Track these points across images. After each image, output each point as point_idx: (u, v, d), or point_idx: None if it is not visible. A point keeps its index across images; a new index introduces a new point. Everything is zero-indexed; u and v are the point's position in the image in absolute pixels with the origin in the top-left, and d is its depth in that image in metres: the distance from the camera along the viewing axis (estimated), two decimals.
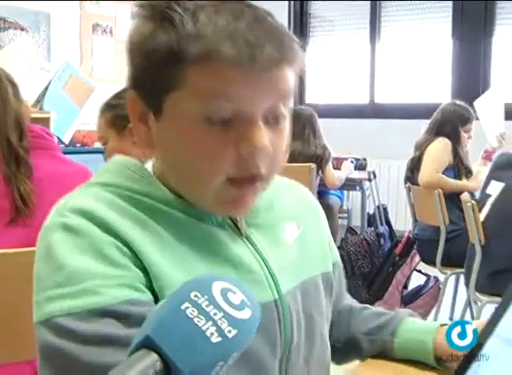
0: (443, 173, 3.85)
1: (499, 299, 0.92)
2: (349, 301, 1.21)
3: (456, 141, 3.91)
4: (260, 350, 0.87)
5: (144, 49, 0.82)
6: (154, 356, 0.60)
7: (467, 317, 3.52)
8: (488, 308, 2.79)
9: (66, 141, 4.90)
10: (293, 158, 4.49)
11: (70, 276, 0.77)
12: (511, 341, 0.90)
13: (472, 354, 0.94)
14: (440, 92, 6.33)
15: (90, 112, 4.42)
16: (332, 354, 1.12)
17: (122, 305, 0.77)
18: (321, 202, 4.21)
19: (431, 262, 3.70)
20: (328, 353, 1.05)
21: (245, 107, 0.80)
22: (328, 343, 1.05)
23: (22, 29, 5.27)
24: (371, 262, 3.93)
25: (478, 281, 3.02)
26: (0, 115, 1.67)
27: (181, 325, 0.61)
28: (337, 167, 4.72)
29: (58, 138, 4.84)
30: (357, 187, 5.07)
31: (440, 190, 3.60)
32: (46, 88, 4.83)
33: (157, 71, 0.81)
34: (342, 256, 4.00)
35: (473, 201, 3.11)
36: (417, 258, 3.70)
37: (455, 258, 3.49)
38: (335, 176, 4.56)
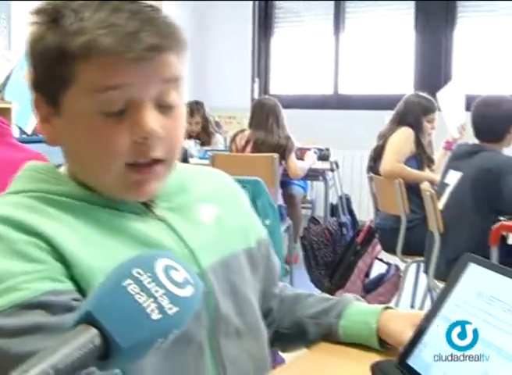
0: (406, 162, 3.89)
1: None
2: (290, 289, 1.24)
3: (418, 130, 3.96)
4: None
5: (37, 52, 0.89)
6: (93, 331, 0.60)
7: (427, 304, 3.57)
8: None
9: (29, 131, 4.83)
10: (256, 147, 4.52)
11: None
12: (453, 322, 0.91)
13: (416, 337, 0.97)
14: (403, 83, 6.40)
15: None
16: (278, 340, 1.16)
17: (45, 296, 0.81)
18: (284, 192, 4.23)
19: (392, 250, 3.75)
20: (262, 325, 1.08)
21: (134, 95, 0.86)
22: (260, 315, 1.08)
23: None
24: (334, 252, 3.96)
25: (437, 268, 3.07)
26: None
27: (122, 301, 0.62)
28: (300, 157, 4.74)
29: (20, 128, 4.78)
30: (320, 178, 5.09)
31: (401, 179, 3.64)
32: (7, 78, 4.75)
33: (50, 71, 0.88)
34: (304, 246, 4.06)
35: (432, 191, 3.15)
36: (379, 247, 3.75)
37: (415, 247, 3.54)
38: (297, 166, 4.58)
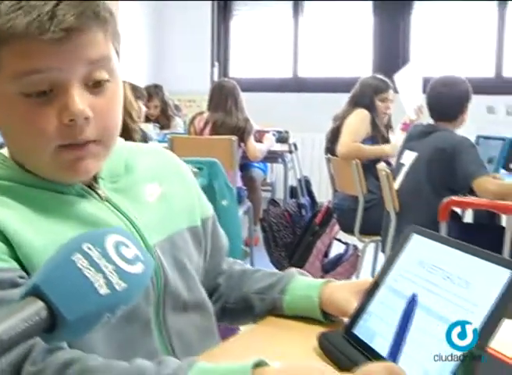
0: (362, 143, 3.93)
1: None
2: (239, 264, 1.26)
3: (373, 111, 4.00)
4: None
5: None
6: (39, 304, 0.60)
7: None
8: None
9: None
10: (215, 128, 4.50)
11: None
12: (397, 291, 0.94)
13: (361, 307, 0.99)
14: (362, 66, 6.43)
15: None
16: (225, 315, 1.18)
17: None
18: (244, 175, 4.23)
19: (350, 230, 3.79)
20: (207, 300, 1.10)
21: (58, 77, 0.84)
22: (204, 291, 1.10)
23: None
24: (293, 233, 3.99)
25: (393, 247, 3.12)
26: None
27: (70, 275, 0.62)
28: (259, 140, 4.75)
29: None
30: (279, 160, 5.11)
31: (358, 160, 3.68)
32: None
33: None
34: (264, 228, 4.08)
35: (388, 170, 3.20)
36: (337, 227, 3.78)
37: (373, 227, 3.59)
38: (256, 148, 4.59)
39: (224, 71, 7.20)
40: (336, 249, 3.91)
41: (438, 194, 2.88)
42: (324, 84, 6.55)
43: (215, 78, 6.99)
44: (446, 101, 3.23)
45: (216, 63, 7.25)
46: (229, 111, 4.51)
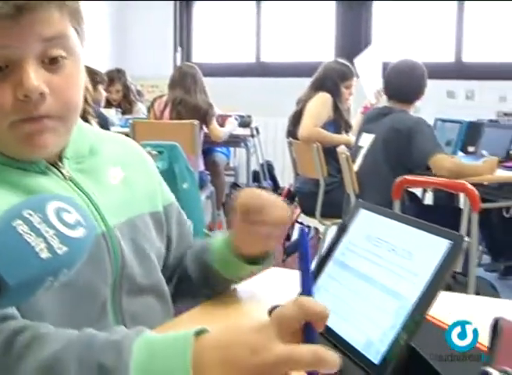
0: (324, 127, 3.96)
1: None
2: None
3: (336, 96, 4.03)
4: (91, 277, 0.95)
5: None
6: None
7: None
8: None
9: None
10: (174, 107, 4.47)
11: None
12: (344, 264, 0.96)
13: (300, 233, 1.01)
14: (324, 51, 6.46)
15: None
16: (185, 289, 1.19)
17: None
18: (207, 160, 4.24)
19: (311, 213, 3.83)
20: (164, 285, 1.12)
21: (13, 54, 0.85)
22: (162, 276, 1.12)
23: None
24: None
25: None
26: None
27: (10, 240, 0.63)
28: (221, 124, 4.75)
29: None
30: (242, 144, 5.13)
31: (319, 144, 3.71)
32: None
33: None
34: (227, 212, 4.10)
35: (347, 153, 3.24)
36: (298, 210, 3.82)
37: (334, 209, 3.63)
38: (219, 130, 4.58)
39: (187, 56, 7.17)
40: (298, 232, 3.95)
41: (395, 175, 2.93)
42: (287, 69, 6.57)
43: (178, 63, 6.95)
44: (405, 85, 3.29)
45: (179, 48, 7.22)
46: (188, 89, 4.49)
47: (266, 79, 6.58)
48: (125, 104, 5.49)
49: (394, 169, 3.07)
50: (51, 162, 0.98)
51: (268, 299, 1.06)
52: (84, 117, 2.27)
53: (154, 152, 2.41)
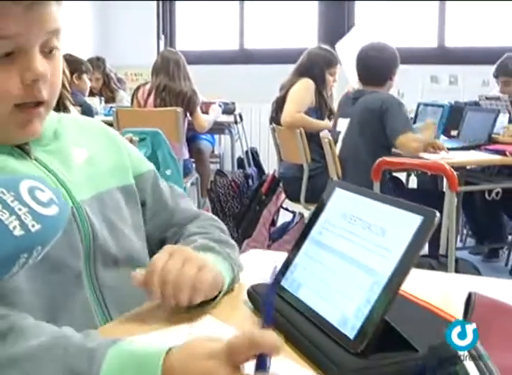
0: (306, 113, 3.96)
1: None
2: (196, 227, 1.23)
3: (321, 83, 4.03)
4: (61, 251, 0.96)
5: None
6: None
7: None
8: None
9: None
10: (158, 94, 4.44)
11: None
12: (320, 243, 0.98)
13: (288, 260, 1.02)
14: (307, 37, 6.46)
15: None
16: None
17: None
18: (192, 147, 4.24)
19: (296, 199, 3.84)
20: (144, 256, 1.13)
21: (23, 42, 0.90)
22: (138, 246, 1.12)
23: None
24: (241, 203, 4.03)
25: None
26: None
27: None
28: (205, 111, 4.74)
29: None
30: (226, 131, 5.13)
31: (302, 129, 3.72)
32: None
33: None
34: (212, 198, 4.10)
35: (330, 138, 3.25)
36: (283, 196, 3.83)
37: (318, 194, 3.58)
38: (203, 119, 4.57)
39: (170, 44, 7.14)
40: (284, 218, 3.97)
41: (374, 156, 2.96)
42: (270, 56, 6.56)
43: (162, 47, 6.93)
44: (375, 66, 3.33)
45: (162, 36, 7.19)
46: (172, 76, 4.46)
47: (250, 66, 6.58)
48: (106, 92, 5.48)
49: (372, 149, 3.11)
50: (17, 145, 1.00)
51: (248, 280, 1.08)
52: (63, 104, 2.26)
53: (135, 138, 2.41)
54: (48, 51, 0.95)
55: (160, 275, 0.95)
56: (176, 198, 1.25)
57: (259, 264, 1.22)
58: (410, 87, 5.95)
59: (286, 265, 1.02)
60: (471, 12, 6.03)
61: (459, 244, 4.25)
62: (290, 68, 4.22)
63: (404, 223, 0.84)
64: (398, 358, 0.79)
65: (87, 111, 4.28)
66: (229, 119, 5.11)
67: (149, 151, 2.68)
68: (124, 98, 5.55)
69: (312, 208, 3.76)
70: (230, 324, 0.95)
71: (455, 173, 2.24)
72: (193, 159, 4.80)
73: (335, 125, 3.42)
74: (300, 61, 4.14)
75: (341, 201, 0.99)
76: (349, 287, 0.87)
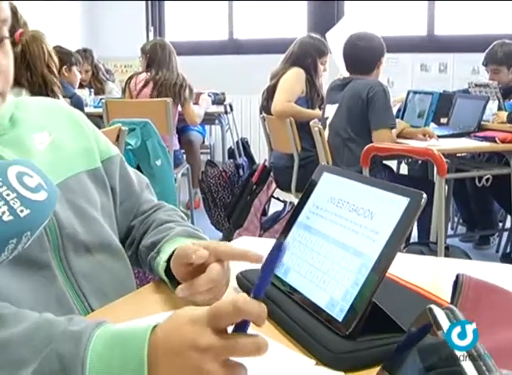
0: (297, 102, 3.95)
1: None
2: (164, 210, 1.22)
3: (313, 72, 4.01)
4: (26, 248, 0.90)
5: None
6: None
7: None
8: None
9: None
10: (157, 88, 4.39)
11: None
12: (308, 227, 0.98)
13: (277, 245, 1.02)
14: (297, 27, 6.44)
15: None
16: (137, 259, 1.17)
17: None
18: (182, 138, 4.22)
19: (287, 188, 3.84)
20: (116, 242, 1.11)
21: None
22: (109, 230, 1.10)
23: None
24: (232, 193, 4.03)
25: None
26: None
27: None
28: (195, 102, 4.72)
29: None
30: (217, 121, 5.11)
31: (292, 118, 3.71)
32: None
33: None
34: (203, 189, 4.09)
35: (320, 126, 3.25)
36: (274, 185, 3.83)
37: None
38: (195, 113, 4.52)
39: (159, 35, 7.10)
40: (275, 207, 3.97)
41: (362, 141, 2.97)
42: (260, 46, 6.54)
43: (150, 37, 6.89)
44: (362, 56, 3.34)
45: (151, 27, 7.15)
46: (172, 69, 4.43)
47: (239, 56, 6.56)
48: (95, 83, 5.45)
49: (360, 135, 3.13)
50: None
51: (237, 266, 1.07)
52: (50, 87, 2.24)
53: (124, 128, 2.40)
54: None
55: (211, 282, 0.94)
56: (142, 186, 1.24)
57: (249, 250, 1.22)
58: (400, 76, 5.95)
59: (276, 257, 1.01)
60: (460, 1, 6.03)
61: (450, 232, 4.27)
62: (280, 58, 4.20)
63: (391, 205, 0.84)
64: (386, 339, 0.79)
65: (77, 103, 4.24)
66: (220, 109, 5.09)
67: (139, 142, 2.67)
68: (114, 89, 5.52)
69: None
70: None
71: (444, 159, 2.24)
72: (183, 150, 4.78)
73: (323, 111, 3.43)
74: (290, 50, 4.10)
75: (329, 185, 0.99)
76: (337, 270, 0.87)
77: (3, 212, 0.64)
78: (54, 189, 0.70)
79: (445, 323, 0.50)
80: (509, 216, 4.12)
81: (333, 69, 4.34)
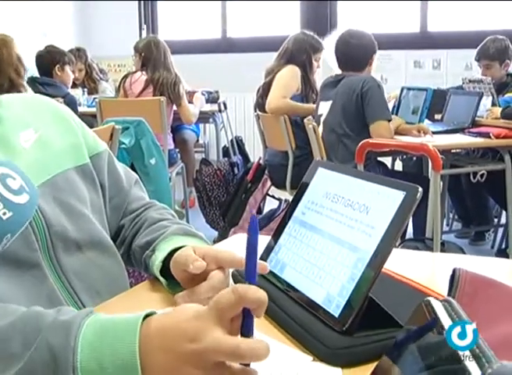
0: (292, 99, 3.94)
1: None
2: (155, 208, 1.21)
3: (309, 69, 4.01)
4: (15, 246, 0.90)
5: None
6: None
7: None
8: None
9: None
10: (158, 88, 4.35)
11: None
12: (304, 222, 0.97)
13: (272, 241, 1.02)
14: (290, 25, 6.43)
15: None
16: (129, 259, 1.16)
17: None
18: (176, 137, 4.21)
19: (282, 186, 3.83)
20: (107, 239, 1.09)
21: None
22: (103, 229, 1.09)
23: None
24: (227, 192, 4.02)
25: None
26: None
27: None
28: (189, 101, 4.70)
29: None
30: (211, 120, 5.10)
31: (286, 116, 3.70)
32: None
33: None
34: (197, 188, 4.08)
35: (314, 123, 3.25)
36: (269, 183, 3.82)
37: None
38: (190, 112, 4.50)
39: (152, 34, 7.09)
40: (270, 205, 3.97)
41: (357, 137, 2.97)
42: (253, 44, 6.53)
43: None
44: (353, 53, 3.35)
45: (144, 26, 7.13)
46: (168, 68, 4.39)
47: (232, 54, 6.55)
48: (89, 83, 5.43)
49: (357, 132, 3.12)
50: None
51: None
52: (18, 90, 2.23)
53: (117, 127, 2.39)
54: None
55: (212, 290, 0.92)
56: (131, 183, 1.23)
57: (244, 248, 1.21)
58: (394, 73, 5.95)
59: (270, 246, 1.01)
60: None
61: (445, 228, 4.27)
62: (273, 56, 4.19)
63: (387, 200, 0.84)
64: (383, 335, 0.78)
65: (71, 102, 4.23)
66: (213, 107, 5.08)
67: (133, 141, 2.66)
68: (107, 88, 5.51)
69: None
70: None
71: (440, 155, 2.24)
72: (178, 149, 4.77)
73: (317, 108, 3.42)
74: (285, 46, 4.08)
75: (324, 181, 0.98)
76: (333, 266, 0.87)
77: None
78: (35, 191, 0.69)
79: (443, 315, 0.50)
80: (504, 212, 4.12)
81: (326, 65, 4.33)
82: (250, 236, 0.65)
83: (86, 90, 5.26)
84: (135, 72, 4.54)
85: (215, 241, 3.43)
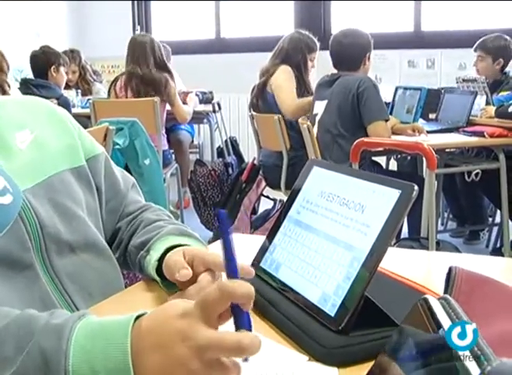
0: None
1: None
2: (150, 210, 1.21)
3: (305, 68, 3.99)
4: (8, 247, 0.90)
5: None
6: None
7: None
8: None
9: None
10: (140, 85, 4.33)
11: None
12: (299, 221, 0.97)
13: (267, 241, 1.01)
14: (283, 25, 6.43)
15: None
16: (125, 261, 1.15)
17: None
18: (171, 138, 4.19)
19: (277, 186, 3.82)
20: (101, 241, 1.08)
21: None
22: (94, 229, 1.07)
23: None
24: (221, 192, 4.02)
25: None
26: None
27: None
28: (183, 101, 4.69)
29: None
30: (205, 120, 5.10)
31: (280, 116, 3.70)
32: None
33: None
34: (192, 188, 4.08)
35: (308, 123, 3.25)
36: (263, 183, 3.82)
37: None
38: (185, 111, 4.49)
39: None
40: (264, 205, 3.96)
41: (352, 136, 2.96)
42: (247, 44, 6.52)
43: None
44: (347, 52, 3.35)
45: (138, 26, 7.12)
46: (148, 64, 4.29)
47: (226, 55, 6.54)
48: (83, 84, 5.41)
49: (352, 131, 3.12)
50: None
51: None
52: (3, 89, 2.23)
53: (111, 128, 2.38)
54: None
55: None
56: (128, 186, 1.22)
57: (239, 248, 1.21)
58: (388, 72, 5.96)
59: (265, 246, 1.01)
60: None
61: (440, 228, 4.27)
62: (267, 56, 4.17)
63: (382, 198, 0.83)
64: (379, 334, 0.78)
65: (64, 104, 4.22)
66: (208, 108, 5.07)
67: (127, 141, 2.65)
68: (101, 90, 5.49)
69: None
70: None
71: (434, 154, 2.24)
72: (172, 150, 4.76)
73: (312, 108, 3.42)
74: (280, 46, 4.04)
75: (318, 180, 0.98)
76: (329, 265, 0.86)
77: None
78: (18, 192, 0.68)
79: (441, 313, 0.49)
80: (498, 211, 4.12)
81: (321, 65, 4.33)
82: (223, 233, 0.65)
83: (79, 91, 5.25)
84: (123, 74, 4.50)
85: (209, 242, 3.42)
